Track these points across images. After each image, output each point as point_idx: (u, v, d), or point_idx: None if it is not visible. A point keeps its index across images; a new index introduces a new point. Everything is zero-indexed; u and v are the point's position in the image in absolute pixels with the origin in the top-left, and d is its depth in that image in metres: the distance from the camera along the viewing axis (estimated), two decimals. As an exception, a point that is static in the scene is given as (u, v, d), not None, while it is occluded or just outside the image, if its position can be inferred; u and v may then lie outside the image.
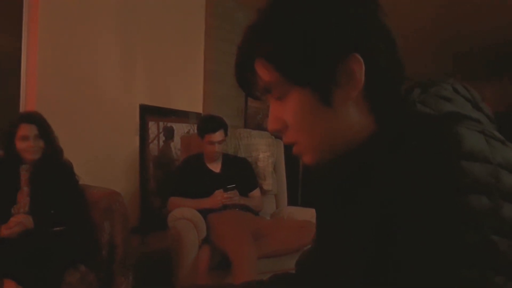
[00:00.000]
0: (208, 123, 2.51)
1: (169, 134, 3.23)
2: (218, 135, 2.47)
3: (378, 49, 0.53)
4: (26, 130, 1.88)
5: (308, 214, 2.49)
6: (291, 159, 3.19)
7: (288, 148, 0.59)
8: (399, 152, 0.49)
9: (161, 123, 3.15)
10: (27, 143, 1.87)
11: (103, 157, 2.69)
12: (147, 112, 3.02)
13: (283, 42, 0.53)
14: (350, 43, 0.52)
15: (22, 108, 2.38)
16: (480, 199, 0.42)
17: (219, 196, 2.40)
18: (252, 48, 0.57)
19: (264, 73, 0.56)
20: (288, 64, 0.54)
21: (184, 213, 2.29)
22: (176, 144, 3.24)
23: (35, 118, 1.93)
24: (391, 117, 0.55)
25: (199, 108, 3.54)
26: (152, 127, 3.07)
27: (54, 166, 1.95)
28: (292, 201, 3.17)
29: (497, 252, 0.41)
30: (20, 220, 1.76)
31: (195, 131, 2.73)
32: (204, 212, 2.34)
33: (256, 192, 2.67)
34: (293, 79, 0.54)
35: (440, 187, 0.43)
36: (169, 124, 3.22)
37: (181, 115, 3.33)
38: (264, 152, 2.91)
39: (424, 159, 0.46)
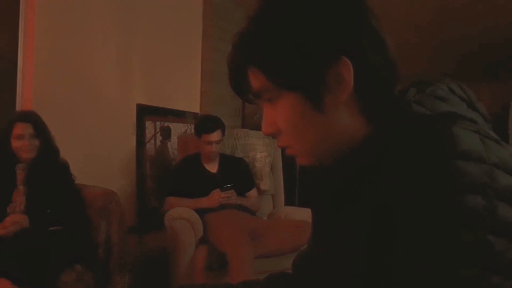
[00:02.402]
0: (206, 123, 2.51)
1: (166, 133, 3.22)
2: (215, 135, 2.46)
3: (367, 52, 0.54)
4: (22, 129, 1.87)
5: (305, 214, 2.49)
6: (288, 159, 3.19)
7: (284, 148, 0.60)
8: (394, 152, 0.49)
9: (158, 123, 3.14)
10: (22, 142, 1.86)
11: (99, 157, 2.69)
12: (144, 112, 3.02)
13: (270, 49, 0.54)
14: (338, 47, 0.52)
15: (18, 107, 2.37)
16: (476, 199, 0.42)
17: (216, 196, 2.40)
18: (240, 56, 0.58)
19: (254, 79, 0.57)
20: (277, 70, 0.54)
21: (181, 213, 2.29)
22: (173, 144, 3.23)
23: (31, 117, 1.92)
24: (385, 118, 0.55)
25: (196, 108, 3.54)
26: (149, 126, 3.07)
27: (50, 165, 1.95)
28: (289, 201, 3.17)
29: (493, 251, 0.41)
30: (16, 219, 1.75)
31: (192, 131, 2.73)
32: (201, 212, 2.34)
33: (253, 192, 2.67)
34: (283, 85, 0.55)
35: (435, 187, 0.44)
36: (166, 124, 3.22)
37: (178, 115, 3.33)
38: (261, 152, 2.91)
39: (419, 159, 0.46)
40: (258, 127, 3.76)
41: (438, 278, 0.42)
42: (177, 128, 3.30)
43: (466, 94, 0.57)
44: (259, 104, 0.60)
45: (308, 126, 0.56)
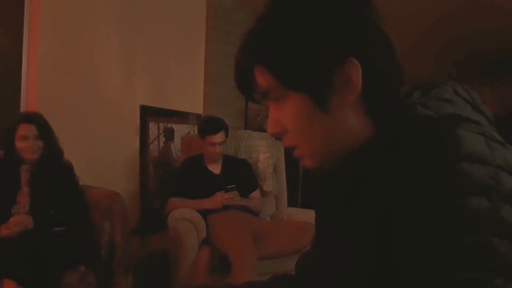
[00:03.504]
0: (209, 125, 2.51)
1: (169, 135, 3.23)
2: (218, 137, 2.47)
3: (374, 53, 0.54)
4: (26, 130, 1.88)
5: (308, 216, 2.49)
6: (291, 161, 3.19)
7: (288, 149, 0.60)
8: (398, 154, 0.49)
9: (161, 124, 3.15)
10: (26, 143, 1.87)
11: (103, 158, 2.69)
12: (148, 113, 3.03)
13: (278, 49, 0.54)
14: (346, 48, 0.52)
15: (22, 108, 2.38)
16: (480, 201, 0.42)
17: (219, 197, 2.40)
18: (248, 54, 0.58)
19: (261, 79, 0.57)
20: (284, 70, 0.54)
21: (184, 214, 2.29)
22: (176, 145, 3.24)
23: (35, 118, 1.93)
24: (390, 120, 0.55)
25: (199, 109, 3.54)
26: (153, 128, 3.07)
27: (54, 166, 1.95)
28: (292, 203, 3.17)
29: (497, 253, 0.41)
30: (20, 220, 1.76)
31: (196, 132, 2.73)
32: (204, 213, 2.34)
33: (256, 193, 2.67)
34: (290, 84, 0.55)
35: (440, 189, 0.43)
36: (169, 125, 3.22)
37: (181, 116, 3.34)
38: (264, 154, 2.91)
39: (424, 161, 0.46)
40: (261, 129, 3.77)
41: (440, 280, 0.42)
42: (180, 130, 3.31)
43: (471, 96, 0.57)
44: (265, 104, 0.60)
45: (314, 126, 0.55)
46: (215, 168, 2.58)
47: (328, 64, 0.53)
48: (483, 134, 0.48)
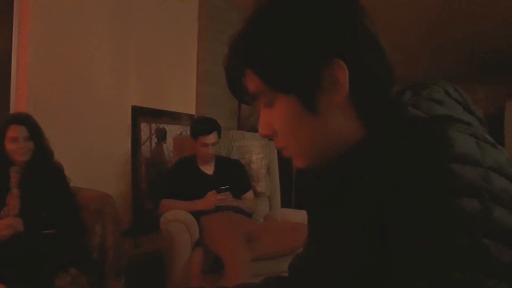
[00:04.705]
0: (202, 125, 2.50)
1: (161, 135, 3.21)
2: (211, 137, 2.46)
3: (362, 54, 0.54)
4: (16, 131, 1.86)
5: (301, 216, 2.49)
6: (284, 161, 3.19)
7: (281, 150, 0.60)
8: (390, 155, 0.49)
9: (153, 125, 3.13)
10: (16, 144, 1.85)
11: (94, 159, 2.67)
12: (139, 114, 3.01)
13: (265, 53, 0.54)
14: (332, 50, 0.52)
15: (12, 109, 2.35)
16: (471, 202, 0.42)
17: (212, 198, 2.39)
18: (236, 58, 0.58)
19: (250, 82, 0.57)
20: (271, 73, 0.55)
21: (176, 215, 2.28)
22: (168, 146, 3.22)
23: (25, 120, 1.91)
24: (380, 121, 0.55)
25: (192, 110, 3.53)
26: (144, 128, 3.06)
27: (44, 168, 1.94)
28: (285, 203, 3.17)
29: (489, 255, 0.41)
30: (10, 222, 1.74)
31: (188, 132, 2.72)
32: (197, 214, 2.34)
33: (249, 194, 2.67)
34: (277, 87, 0.55)
35: (431, 190, 0.43)
36: (161, 126, 3.21)
37: (173, 117, 3.32)
38: (257, 154, 2.91)
39: (415, 162, 0.46)
40: (254, 129, 3.76)
41: (433, 280, 0.42)
42: (173, 130, 3.29)
43: (462, 97, 0.57)
44: (257, 105, 0.60)
45: (303, 128, 0.56)
46: (208, 169, 2.57)
47: (315, 66, 0.53)
48: (474, 135, 0.48)
